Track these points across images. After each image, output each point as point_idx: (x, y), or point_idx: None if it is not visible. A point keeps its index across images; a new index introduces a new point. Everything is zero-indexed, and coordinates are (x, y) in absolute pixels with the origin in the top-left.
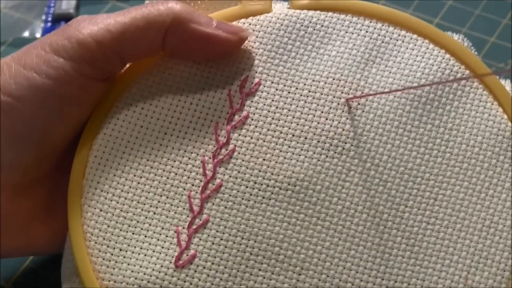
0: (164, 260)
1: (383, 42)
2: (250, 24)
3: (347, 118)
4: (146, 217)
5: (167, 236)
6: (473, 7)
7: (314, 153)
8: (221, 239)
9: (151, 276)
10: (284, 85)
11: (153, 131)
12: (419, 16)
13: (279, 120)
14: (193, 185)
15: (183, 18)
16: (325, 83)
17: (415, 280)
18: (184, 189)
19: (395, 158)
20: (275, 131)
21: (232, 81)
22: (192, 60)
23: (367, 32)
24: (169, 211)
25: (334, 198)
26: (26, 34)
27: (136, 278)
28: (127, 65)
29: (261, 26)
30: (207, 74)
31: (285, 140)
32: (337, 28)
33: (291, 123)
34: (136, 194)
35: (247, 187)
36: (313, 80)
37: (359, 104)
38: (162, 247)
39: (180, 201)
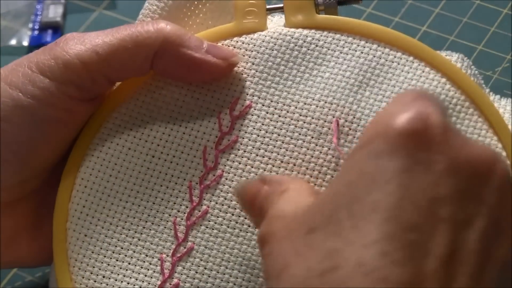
0: None
1: (378, 64)
2: (243, 43)
3: (337, 145)
4: (131, 244)
5: (150, 264)
6: (461, 14)
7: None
8: (205, 268)
9: None
10: (275, 108)
11: (140, 153)
12: (406, 25)
13: (268, 145)
14: (178, 211)
15: (172, 41)
16: (317, 106)
17: None
18: (170, 215)
19: None
20: (263, 157)
21: (223, 103)
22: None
23: (362, 53)
24: (154, 237)
25: None
26: (13, 42)
27: None
28: (117, 84)
29: (254, 45)
30: (198, 95)
31: (273, 166)
32: (331, 49)
33: (280, 148)
34: (122, 219)
35: (233, 214)
36: (305, 103)
37: (350, 129)
38: (145, 275)
39: (165, 227)
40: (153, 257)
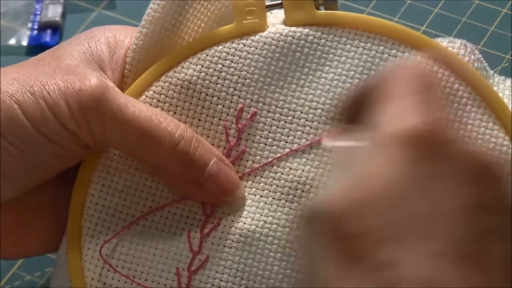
0: None
1: (381, 60)
2: (244, 45)
3: None
4: (146, 259)
5: (167, 279)
6: (460, 14)
7: (312, 186)
8: (221, 280)
9: None
10: (281, 115)
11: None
12: (406, 24)
13: (275, 153)
14: (192, 224)
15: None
16: (322, 110)
17: None
18: (184, 229)
19: None
20: (272, 166)
21: (228, 111)
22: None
23: (364, 49)
24: (169, 251)
25: None
26: (12, 42)
27: None
28: None
29: (256, 48)
30: (203, 104)
31: (282, 174)
32: (333, 47)
33: (288, 156)
34: (135, 235)
35: (244, 223)
36: (310, 108)
37: None
38: None
39: (179, 241)
40: (169, 272)
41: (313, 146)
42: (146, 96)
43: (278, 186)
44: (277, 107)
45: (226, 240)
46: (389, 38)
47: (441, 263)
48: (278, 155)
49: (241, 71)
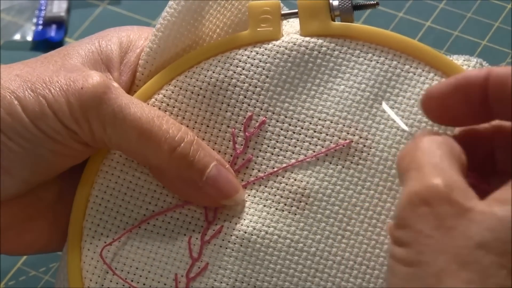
0: None
1: (393, 75)
2: (257, 53)
3: (351, 163)
4: (146, 263)
5: (165, 284)
6: (465, 10)
7: (315, 199)
8: None
9: None
10: (289, 125)
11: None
12: (411, 20)
13: (281, 163)
14: (193, 230)
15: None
16: (331, 122)
17: None
18: (185, 234)
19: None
20: (277, 176)
21: (237, 118)
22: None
23: (377, 63)
24: (169, 257)
25: (333, 248)
26: (17, 37)
27: None
28: None
29: (269, 57)
30: (212, 110)
31: (286, 185)
32: (346, 59)
33: (294, 167)
34: (136, 239)
35: (245, 232)
36: (319, 119)
37: (364, 146)
38: None
39: (180, 247)
40: (167, 277)
41: (319, 158)
42: (156, 100)
43: (281, 197)
44: (286, 116)
45: (227, 248)
46: (403, 53)
47: None
48: (284, 165)
49: (252, 78)
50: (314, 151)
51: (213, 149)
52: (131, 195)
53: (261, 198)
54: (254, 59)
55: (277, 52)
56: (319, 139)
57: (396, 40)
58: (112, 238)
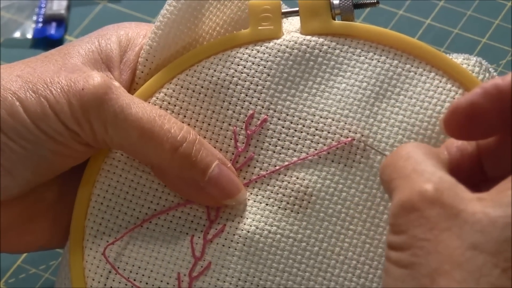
0: None
1: (394, 74)
2: (258, 52)
3: (353, 161)
4: (148, 263)
5: (168, 284)
6: (465, 7)
7: (318, 198)
8: None
9: None
10: (291, 123)
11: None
12: (411, 18)
13: (283, 161)
14: (196, 229)
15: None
16: (333, 120)
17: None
18: (187, 233)
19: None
20: (279, 174)
21: (238, 117)
22: (199, 93)
23: (378, 62)
24: (171, 256)
25: (336, 248)
26: (17, 35)
27: None
28: None
29: (270, 55)
30: (213, 108)
31: (288, 183)
32: (347, 58)
33: (296, 165)
34: (139, 238)
35: (248, 231)
36: (321, 117)
37: (366, 145)
38: None
39: (182, 246)
40: (170, 276)
41: (321, 156)
42: (157, 98)
43: (284, 195)
44: (287, 114)
45: (229, 247)
46: (403, 52)
47: None
48: (286, 163)
49: (254, 77)
50: (316, 149)
51: (215, 148)
52: (133, 194)
53: (263, 197)
54: (255, 58)
55: (278, 51)
56: (320, 137)
57: (397, 39)
58: (114, 238)
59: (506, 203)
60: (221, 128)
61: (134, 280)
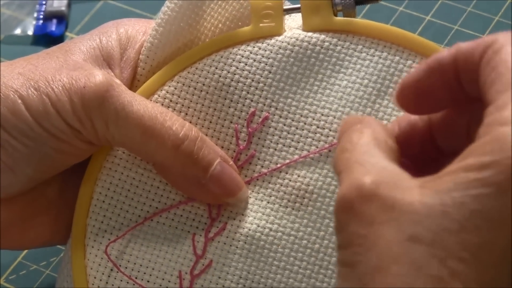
0: None
1: (396, 70)
2: (260, 49)
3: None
4: (150, 261)
5: (169, 282)
6: (465, 4)
7: (319, 195)
8: (223, 286)
9: None
10: (292, 120)
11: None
12: (411, 14)
13: (284, 159)
14: (197, 227)
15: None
16: (334, 117)
17: None
18: (189, 231)
19: None
20: (280, 172)
21: (240, 114)
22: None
23: (380, 58)
24: (173, 254)
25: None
26: (17, 31)
27: None
28: None
29: (271, 52)
30: (215, 106)
31: (289, 181)
32: (349, 54)
33: (297, 163)
34: (140, 236)
35: (249, 229)
36: (322, 115)
37: None
38: None
39: (184, 244)
40: (171, 274)
41: (323, 154)
42: (159, 96)
43: (285, 193)
44: (289, 112)
45: (231, 245)
46: (405, 49)
47: None
48: (287, 161)
49: (255, 74)
50: (317, 147)
51: (216, 145)
52: (134, 192)
53: (264, 195)
54: (257, 55)
55: (280, 48)
56: (322, 134)
57: (399, 35)
58: (116, 235)
59: (442, 190)
60: (222, 126)
61: (136, 278)
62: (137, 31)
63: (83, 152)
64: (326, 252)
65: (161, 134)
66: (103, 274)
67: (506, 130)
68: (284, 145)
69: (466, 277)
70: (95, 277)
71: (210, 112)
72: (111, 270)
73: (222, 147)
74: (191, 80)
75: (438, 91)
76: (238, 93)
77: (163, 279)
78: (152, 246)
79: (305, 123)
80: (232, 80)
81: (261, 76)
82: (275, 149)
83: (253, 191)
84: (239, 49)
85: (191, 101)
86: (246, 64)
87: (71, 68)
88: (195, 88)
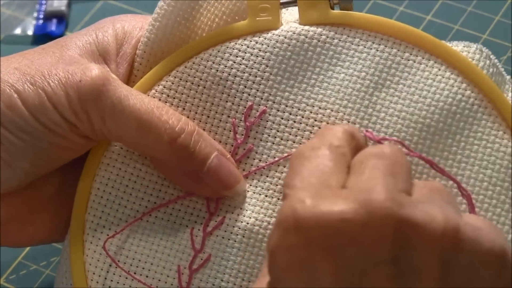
0: None
1: (393, 62)
2: (257, 43)
3: None
4: (148, 256)
5: (168, 276)
6: (465, 4)
7: None
8: (222, 280)
9: None
10: (290, 114)
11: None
12: (411, 14)
13: (282, 153)
14: (195, 222)
15: (181, 150)
16: (332, 110)
17: None
18: (187, 226)
19: None
20: (278, 165)
21: (237, 109)
22: (197, 85)
23: (377, 51)
24: (171, 249)
25: None
26: (17, 31)
27: None
28: None
29: (268, 46)
30: (212, 100)
31: None
32: (346, 47)
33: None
34: (138, 231)
35: (248, 223)
36: (320, 108)
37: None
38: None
39: (182, 239)
40: (170, 269)
41: None
42: (156, 91)
43: (283, 186)
44: (286, 106)
45: (229, 239)
46: (402, 41)
47: None
48: (285, 154)
49: (252, 68)
50: None
51: (214, 140)
52: (132, 187)
53: (262, 188)
54: (254, 49)
55: (277, 41)
56: (320, 127)
57: (396, 28)
58: (114, 231)
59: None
60: (220, 120)
61: (135, 273)
62: (134, 27)
63: (80, 146)
64: None
65: (157, 128)
66: (101, 269)
67: None
68: (281, 139)
69: None
70: (93, 273)
71: (208, 106)
72: (110, 265)
73: (220, 142)
74: (188, 75)
75: None
76: (236, 87)
77: (161, 274)
78: (150, 241)
79: (302, 117)
80: (229, 74)
81: (258, 70)
82: (273, 143)
83: (251, 185)
84: (236, 43)
85: (188, 95)
86: (243, 58)
87: (67, 62)
88: (192, 83)
